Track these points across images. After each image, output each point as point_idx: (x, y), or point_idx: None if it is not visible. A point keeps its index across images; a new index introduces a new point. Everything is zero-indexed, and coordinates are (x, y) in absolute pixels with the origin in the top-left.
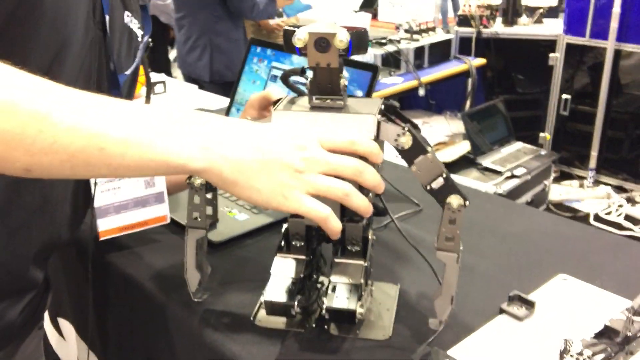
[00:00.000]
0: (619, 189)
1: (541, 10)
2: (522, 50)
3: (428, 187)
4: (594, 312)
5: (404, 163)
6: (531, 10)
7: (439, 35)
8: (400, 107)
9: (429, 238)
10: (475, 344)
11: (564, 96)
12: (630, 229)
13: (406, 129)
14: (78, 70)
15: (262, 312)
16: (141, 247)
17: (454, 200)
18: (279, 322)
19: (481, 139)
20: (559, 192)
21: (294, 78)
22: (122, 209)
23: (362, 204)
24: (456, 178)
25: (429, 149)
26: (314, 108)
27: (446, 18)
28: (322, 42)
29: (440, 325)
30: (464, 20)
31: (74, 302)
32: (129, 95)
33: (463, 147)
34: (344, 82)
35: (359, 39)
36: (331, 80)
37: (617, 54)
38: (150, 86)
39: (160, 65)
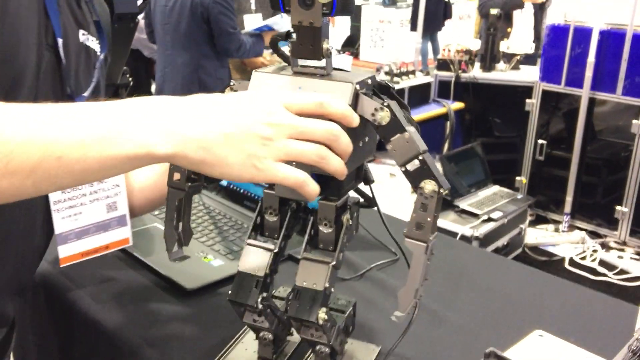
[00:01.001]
0: (594, 234)
1: (518, 57)
2: (500, 95)
3: (403, 169)
4: None
5: (382, 210)
6: (508, 57)
7: (419, 79)
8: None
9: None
10: None
11: (540, 141)
12: (605, 275)
13: (385, 103)
14: (32, 100)
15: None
16: (110, 291)
17: (428, 185)
18: None
19: (459, 181)
20: (534, 235)
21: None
22: (83, 234)
23: (339, 167)
24: None
25: (409, 128)
26: (297, 73)
27: (426, 60)
28: None
29: (402, 319)
30: (443, 65)
31: (39, 346)
32: None
33: None
34: (327, 45)
35: None
36: (313, 41)
37: (592, 102)
38: None
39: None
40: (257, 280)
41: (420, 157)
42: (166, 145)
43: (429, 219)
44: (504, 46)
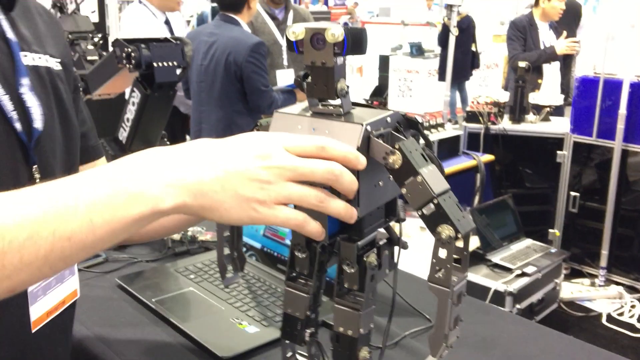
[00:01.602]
0: (631, 289)
1: (548, 109)
2: (530, 146)
3: (420, 213)
4: None
5: (415, 272)
6: (538, 109)
7: (448, 131)
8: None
9: None
10: None
11: (573, 193)
12: None
13: (396, 146)
14: None
15: None
16: (146, 358)
17: (445, 230)
18: None
19: (491, 234)
20: (570, 290)
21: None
22: (47, 288)
23: (341, 209)
24: None
25: (424, 170)
26: (315, 114)
27: (454, 109)
28: (318, 39)
29: None
30: (472, 117)
31: None
32: (70, 157)
33: (472, 243)
34: (342, 85)
35: (355, 37)
36: (327, 81)
37: (625, 153)
38: None
39: None
40: (299, 321)
41: (435, 201)
42: (169, 199)
43: (448, 266)
44: (534, 98)
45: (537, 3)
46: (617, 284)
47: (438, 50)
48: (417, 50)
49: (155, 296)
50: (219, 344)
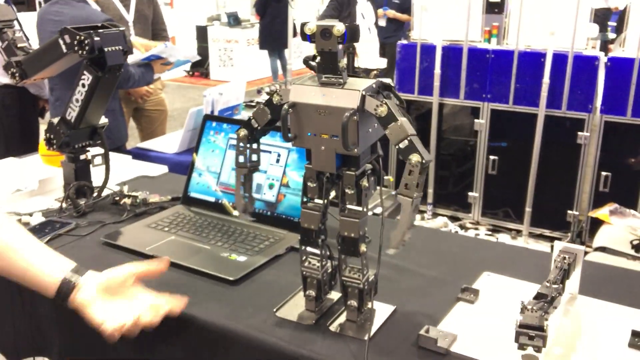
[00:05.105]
0: (453, 218)
1: (375, 72)
2: None
3: (396, 147)
4: (517, 292)
5: None
6: (367, 72)
7: None
8: None
9: None
10: (451, 322)
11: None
12: None
13: (383, 102)
14: None
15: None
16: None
17: (414, 157)
18: (294, 315)
19: None
20: None
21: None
22: None
23: None
24: None
25: (401, 118)
26: (322, 84)
27: (277, 76)
28: (326, 32)
29: (394, 253)
30: None
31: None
32: None
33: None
34: (343, 63)
35: (352, 31)
36: (332, 62)
37: (441, 106)
38: (108, 163)
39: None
40: (314, 231)
41: (408, 138)
42: None
43: (413, 182)
44: (361, 62)
45: None
46: (442, 215)
47: (254, 19)
48: (235, 20)
49: (146, 246)
50: (225, 271)
